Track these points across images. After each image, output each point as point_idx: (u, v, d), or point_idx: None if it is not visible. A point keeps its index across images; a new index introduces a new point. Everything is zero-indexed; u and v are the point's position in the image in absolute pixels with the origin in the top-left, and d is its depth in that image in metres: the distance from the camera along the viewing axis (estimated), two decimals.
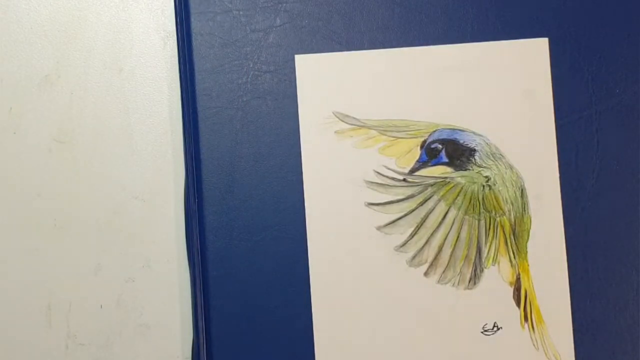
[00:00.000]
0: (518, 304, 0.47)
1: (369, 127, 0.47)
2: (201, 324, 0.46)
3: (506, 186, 0.47)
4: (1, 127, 0.47)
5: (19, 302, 0.47)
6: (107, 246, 0.47)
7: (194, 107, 0.45)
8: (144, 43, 0.48)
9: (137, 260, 0.48)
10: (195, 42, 0.45)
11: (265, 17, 0.45)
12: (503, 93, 0.47)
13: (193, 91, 0.45)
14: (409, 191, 0.47)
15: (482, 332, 0.47)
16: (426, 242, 0.47)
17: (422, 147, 0.47)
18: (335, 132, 0.46)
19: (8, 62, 0.47)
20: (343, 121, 0.46)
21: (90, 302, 0.47)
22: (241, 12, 0.45)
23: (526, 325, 0.47)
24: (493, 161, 0.47)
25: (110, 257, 0.47)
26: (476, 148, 0.47)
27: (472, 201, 0.47)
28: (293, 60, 0.46)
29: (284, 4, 0.46)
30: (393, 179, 0.47)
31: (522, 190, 0.47)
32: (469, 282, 0.47)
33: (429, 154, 0.47)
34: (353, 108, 0.47)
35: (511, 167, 0.47)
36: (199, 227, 0.45)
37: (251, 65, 0.45)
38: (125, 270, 0.48)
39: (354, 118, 0.47)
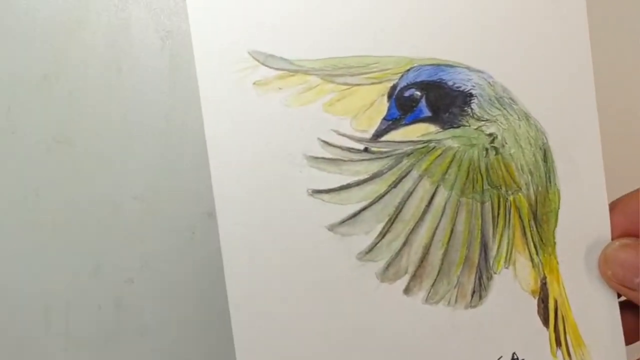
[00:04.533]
0: (546, 322, 0.33)
1: (307, 72, 0.30)
2: None
3: (521, 147, 0.32)
4: (0, 127, 0.47)
5: (17, 302, 0.47)
6: (106, 246, 0.47)
7: None
8: (143, 43, 0.47)
9: (136, 260, 0.47)
10: None
11: None
12: (513, 4, 0.31)
13: None
14: (374, 167, 0.31)
15: None
16: (405, 243, 0.31)
17: (390, 96, 0.31)
18: (254, 83, 0.30)
19: (6, 62, 0.47)
20: (266, 65, 0.30)
21: (89, 303, 0.47)
22: None
23: (559, 352, 0.32)
24: (500, 110, 0.31)
25: (109, 257, 0.47)
26: (473, 92, 0.31)
27: (470, 174, 0.31)
28: None
29: None
30: (349, 149, 0.31)
31: (544, 151, 0.32)
32: (472, 296, 0.32)
33: (402, 107, 0.31)
34: (280, 43, 0.30)
35: (527, 118, 0.31)
36: None
37: None
38: (124, 271, 0.47)
39: (283, 59, 0.30)
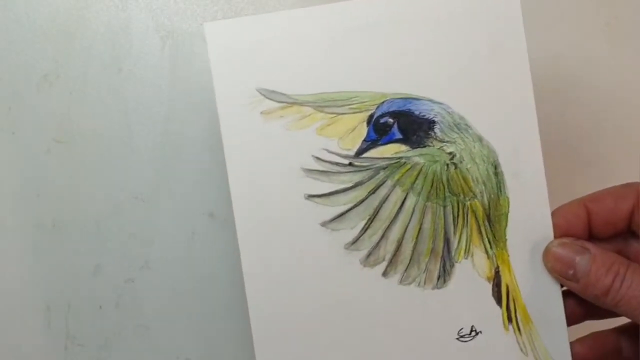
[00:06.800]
0: (499, 302, 0.39)
1: (302, 104, 0.38)
2: None
3: (475, 163, 0.38)
4: (0, 127, 0.47)
5: (18, 303, 0.47)
6: (107, 246, 0.47)
7: None
8: (143, 43, 0.47)
9: (137, 260, 0.47)
10: None
11: None
12: (465, 49, 0.38)
13: None
14: (357, 177, 0.39)
15: (457, 339, 0.39)
16: (382, 237, 0.39)
17: (369, 123, 0.39)
18: (261, 112, 0.38)
19: (7, 62, 0.47)
20: (270, 98, 0.38)
21: (90, 303, 0.47)
22: None
23: (510, 326, 0.39)
24: (457, 133, 0.38)
25: (109, 257, 0.47)
26: (435, 119, 0.38)
27: (434, 184, 0.39)
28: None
29: None
30: (337, 164, 0.39)
31: (495, 166, 0.39)
32: (438, 280, 0.39)
33: (379, 131, 0.39)
34: (280, 82, 0.38)
35: (480, 140, 0.38)
36: None
37: None
38: (125, 271, 0.47)
39: (283, 94, 0.38)
